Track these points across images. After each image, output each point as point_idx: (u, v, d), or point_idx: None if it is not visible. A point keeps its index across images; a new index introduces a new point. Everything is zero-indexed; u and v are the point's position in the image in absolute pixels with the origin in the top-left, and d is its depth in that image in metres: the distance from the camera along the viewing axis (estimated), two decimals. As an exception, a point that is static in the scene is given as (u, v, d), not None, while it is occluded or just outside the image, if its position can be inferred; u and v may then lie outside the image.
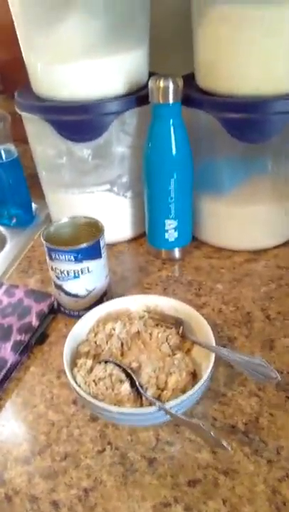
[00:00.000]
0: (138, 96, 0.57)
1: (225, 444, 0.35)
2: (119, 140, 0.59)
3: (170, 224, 0.61)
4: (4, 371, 0.47)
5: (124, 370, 0.42)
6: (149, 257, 0.67)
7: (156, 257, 0.66)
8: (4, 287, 0.58)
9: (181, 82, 0.53)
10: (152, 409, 0.38)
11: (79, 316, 0.54)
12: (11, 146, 0.74)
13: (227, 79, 0.54)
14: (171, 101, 0.53)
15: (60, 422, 0.43)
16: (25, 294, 0.57)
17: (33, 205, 0.81)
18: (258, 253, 0.65)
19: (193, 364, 0.44)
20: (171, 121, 0.55)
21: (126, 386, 0.40)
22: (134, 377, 0.41)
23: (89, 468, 0.39)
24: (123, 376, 0.42)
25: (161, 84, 0.52)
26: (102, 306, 0.50)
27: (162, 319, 0.49)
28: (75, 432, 0.42)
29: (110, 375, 0.41)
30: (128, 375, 0.42)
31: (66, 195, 0.65)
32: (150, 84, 0.53)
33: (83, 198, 0.64)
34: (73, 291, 0.53)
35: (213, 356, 0.41)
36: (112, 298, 0.57)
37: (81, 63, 0.55)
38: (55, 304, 0.56)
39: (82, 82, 0.56)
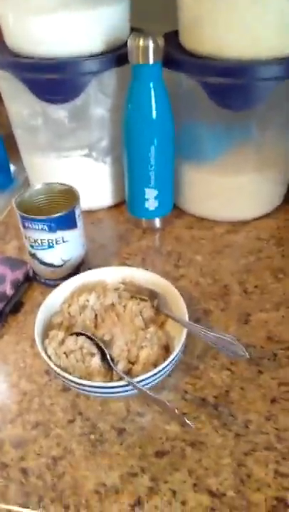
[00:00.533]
0: (118, 54, 0.54)
1: (189, 423, 0.36)
2: (98, 101, 0.56)
3: (150, 193, 0.60)
4: (-23, 341, 0.47)
5: (96, 344, 0.42)
6: (129, 225, 0.66)
7: (137, 225, 0.65)
8: (-21, 255, 0.57)
9: (162, 41, 0.50)
10: (121, 383, 0.38)
11: (55, 286, 0.53)
12: (-14, 106, 0.70)
13: (210, 40, 0.51)
14: (151, 61, 0.50)
15: (33, 392, 0.43)
16: (0, 261, 0.56)
17: (12, 167, 0.78)
18: (239, 224, 0.64)
19: (166, 338, 0.44)
20: (152, 83, 0.52)
21: (96, 360, 0.40)
22: (106, 351, 0.41)
23: (59, 438, 0.39)
24: (94, 349, 0.41)
25: (141, 43, 0.49)
26: (77, 277, 0.49)
27: (138, 292, 0.49)
28: (46, 402, 0.42)
29: (81, 347, 0.41)
30: (100, 348, 0.42)
31: (43, 159, 0.62)
32: (129, 42, 0.50)
33: (60, 162, 0.62)
34: (48, 261, 0.51)
35: (185, 331, 0.41)
36: (89, 268, 0.56)
37: (57, 16, 0.51)
38: (31, 272, 0.55)
39: (57, 36, 0.52)
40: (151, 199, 0.60)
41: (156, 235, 0.64)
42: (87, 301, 0.47)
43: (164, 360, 0.41)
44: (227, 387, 0.43)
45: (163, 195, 0.61)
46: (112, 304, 0.47)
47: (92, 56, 0.54)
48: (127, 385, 0.38)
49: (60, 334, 0.43)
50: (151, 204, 0.61)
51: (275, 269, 0.56)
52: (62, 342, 0.42)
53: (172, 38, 0.57)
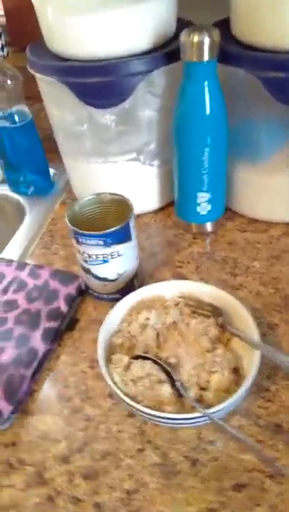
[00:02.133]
0: (167, 52, 0.50)
1: (280, 466, 0.34)
2: (146, 103, 0.53)
3: (203, 197, 0.56)
4: (36, 363, 0.45)
5: (164, 368, 0.40)
6: (178, 229, 0.63)
7: (186, 230, 0.62)
8: (28, 268, 0.56)
9: (218, 36, 0.46)
10: (196, 414, 0.36)
11: (109, 299, 0.52)
12: (25, 108, 0.68)
13: (272, 31, 0.46)
14: (206, 58, 0.46)
15: (98, 417, 0.42)
16: (50, 275, 0.54)
17: (51, 171, 0.76)
18: (295, 225, 0.61)
19: (235, 359, 0.42)
20: (206, 81, 0.48)
21: (166, 388, 0.38)
22: (175, 377, 0.39)
23: (130, 469, 0.38)
24: (163, 376, 0.39)
25: (196, 39, 0.45)
26: (134, 294, 0.47)
27: (199, 307, 0.46)
28: (113, 429, 0.41)
29: (149, 374, 0.39)
30: (167, 373, 0.40)
31: (88, 165, 0.60)
32: (182, 39, 0.46)
33: (106, 167, 0.59)
34: (102, 276, 0.49)
35: (258, 355, 0.39)
36: (142, 279, 0.54)
37: (101, 15, 0.47)
38: (83, 285, 0.54)
39: (102, 36, 0.48)
40: (203, 203, 0.57)
41: (207, 240, 0.61)
42: (148, 319, 0.45)
43: (236, 384, 0.39)
44: (303, 411, 0.40)
45: (216, 198, 0.57)
46: (174, 322, 0.45)
47: (140, 54, 0.50)
48: (201, 416, 0.36)
49: (125, 359, 0.41)
50: (204, 208, 0.58)
51: None
52: (127, 367, 0.40)
53: (222, 28, 0.53)
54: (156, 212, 0.66)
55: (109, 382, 0.38)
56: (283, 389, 0.42)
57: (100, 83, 0.49)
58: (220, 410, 0.36)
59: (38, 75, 0.54)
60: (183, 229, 0.62)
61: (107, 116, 0.53)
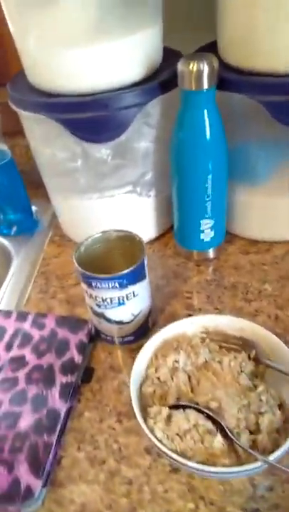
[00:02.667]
0: (162, 81, 0.49)
1: None
2: (142, 134, 0.51)
3: (206, 224, 0.55)
4: (59, 426, 0.41)
5: (208, 415, 0.37)
6: (179, 258, 0.61)
7: (188, 258, 0.60)
8: (30, 318, 0.51)
9: (217, 64, 0.45)
10: (257, 464, 0.33)
11: (123, 343, 0.49)
12: (4, 146, 0.64)
13: (268, 54, 0.46)
14: (205, 87, 0.45)
15: (139, 478, 0.38)
16: (56, 323, 0.50)
17: (33, 208, 0.72)
18: (297, 242, 0.60)
19: (277, 393, 0.39)
20: (206, 109, 0.47)
21: (219, 439, 0.35)
22: (223, 423, 0.36)
23: (188, 534, 0.34)
24: (210, 424, 0.36)
25: (195, 68, 0.44)
26: (157, 336, 0.44)
27: (225, 340, 0.44)
28: (158, 489, 0.37)
29: (196, 425, 0.36)
30: (214, 421, 0.37)
31: (81, 202, 0.57)
32: (180, 68, 0.45)
33: (102, 202, 0.56)
34: (117, 319, 0.46)
35: (304, 388, 0.37)
36: (155, 316, 0.51)
37: (92, 47, 0.45)
38: (93, 329, 0.50)
39: (92, 70, 0.47)
40: (206, 230, 0.55)
41: (212, 267, 0.59)
42: (176, 361, 0.42)
43: (285, 422, 0.37)
44: None
45: (218, 224, 0.56)
46: (206, 362, 0.42)
47: (131, 85, 0.49)
48: (262, 465, 0.33)
49: (164, 411, 0.37)
50: (207, 235, 0.56)
51: None
52: (168, 420, 0.37)
53: (209, 51, 0.52)
54: (152, 241, 0.64)
55: (154, 440, 0.35)
56: None
57: (96, 118, 0.47)
58: (280, 454, 0.33)
59: (25, 113, 0.50)
60: (184, 257, 0.60)
61: (102, 151, 0.51)
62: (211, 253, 0.59)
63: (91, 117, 0.47)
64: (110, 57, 0.46)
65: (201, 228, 0.55)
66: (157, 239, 0.64)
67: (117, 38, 0.46)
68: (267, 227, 0.60)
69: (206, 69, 0.44)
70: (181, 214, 0.56)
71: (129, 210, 0.58)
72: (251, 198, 0.58)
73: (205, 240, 0.57)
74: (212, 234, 0.56)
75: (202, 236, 0.56)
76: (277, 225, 0.59)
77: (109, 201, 0.56)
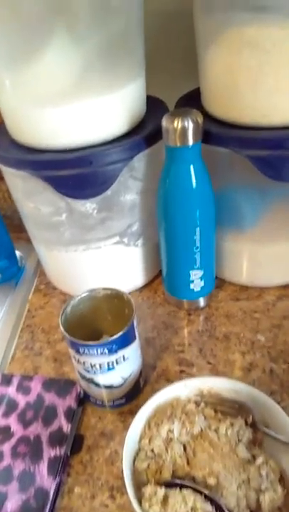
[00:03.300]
0: (146, 136, 0.48)
1: None
2: (128, 187, 0.50)
3: (195, 274, 0.53)
4: (48, 506, 0.38)
5: (207, 496, 0.35)
6: (169, 307, 0.59)
7: (178, 306, 0.58)
8: (16, 381, 0.49)
9: (201, 119, 0.44)
10: None
11: (114, 407, 0.46)
12: (-15, 194, 0.62)
13: (250, 109, 0.46)
14: (190, 143, 0.44)
15: None
16: (43, 386, 0.48)
17: (17, 253, 0.70)
18: (287, 287, 0.59)
19: (275, 463, 0.38)
20: (191, 164, 0.46)
21: (219, 525, 0.33)
22: (223, 503, 0.34)
23: None
24: (208, 506, 0.34)
25: (179, 125, 0.43)
26: (149, 403, 0.41)
27: (221, 404, 0.42)
28: None
29: (193, 509, 0.34)
30: (210, 500, 0.35)
31: (67, 254, 0.55)
32: (164, 125, 0.44)
33: (88, 254, 0.55)
34: (107, 383, 0.44)
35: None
36: (147, 374, 0.49)
37: (73, 103, 0.44)
38: (82, 393, 0.48)
39: (75, 126, 0.46)
40: (196, 280, 0.54)
41: (203, 315, 0.57)
42: (171, 431, 0.40)
43: (285, 496, 0.35)
44: None
45: (208, 274, 0.55)
46: (201, 430, 0.40)
47: (117, 139, 0.48)
48: None
49: (160, 492, 0.35)
50: (197, 285, 0.55)
51: None
52: (164, 501, 0.35)
53: (192, 102, 0.52)
54: (141, 289, 0.62)
55: (150, 528, 0.33)
56: None
57: (81, 175, 0.46)
58: None
59: (8, 170, 0.49)
60: (174, 305, 0.59)
61: (87, 205, 0.49)
62: (201, 302, 0.58)
63: (75, 174, 0.46)
64: (94, 114, 0.45)
65: (191, 279, 0.54)
66: (146, 286, 0.63)
67: (100, 94, 0.45)
68: (256, 273, 0.59)
69: (190, 126, 0.43)
70: (169, 265, 0.55)
71: (116, 260, 0.56)
72: (239, 244, 0.57)
73: (195, 289, 0.55)
74: (202, 283, 0.55)
75: (192, 286, 0.55)
76: (266, 271, 0.58)
77: (96, 253, 0.54)
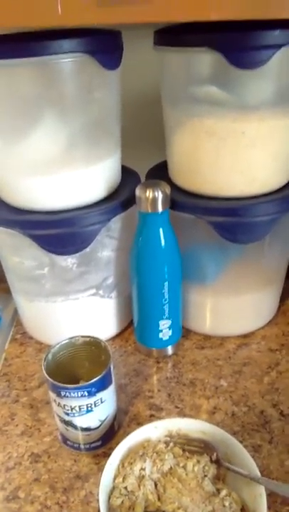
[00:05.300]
0: (122, 201, 0.55)
1: None
2: (105, 245, 0.56)
3: (164, 324, 0.59)
4: None
5: (177, 527, 0.38)
6: (139, 355, 0.64)
7: (148, 355, 0.63)
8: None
9: (169, 190, 0.52)
10: None
11: (90, 449, 0.49)
12: None
13: (208, 183, 0.54)
14: (160, 210, 0.52)
15: None
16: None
17: (-7, 305, 0.74)
18: (246, 336, 0.66)
19: (238, 496, 0.42)
20: (161, 227, 0.53)
21: None
22: (191, 535, 0.38)
23: None
24: (179, 538, 0.38)
25: (150, 195, 0.51)
26: (122, 444, 0.45)
27: (188, 443, 0.46)
28: None
29: (165, 540, 0.37)
30: (181, 532, 0.38)
31: (46, 304, 0.60)
32: (138, 194, 0.52)
33: (66, 305, 0.59)
34: (85, 425, 0.47)
35: (263, 490, 0.40)
36: (120, 418, 0.53)
37: (56, 174, 0.52)
38: (60, 438, 0.50)
39: (58, 193, 0.53)
40: (165, 329, 0.60)
41: (170, 363, 0.62)
42: (143, 469, 0.44)
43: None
44: (312, 540, 0.41)
45: (175, 323, 0.61)
46: (171, 468, 0.44)
47: (95, 203, 0.55)
48: None
49: (134, 528, 0.38)
50: (165, 334, 0.60)
51: (300, 383, 0.57)
52: (138, 535, 0.38)
53: (160, 173, 0.60)
54: (113, 338, 0.67)
55: None
56: (287, 518, 0.43)
57: (65, 234, 0.52)
58: None
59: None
60: (144, 354, 0.63)
61: (68, 260, 0.55)
62: (169, 350, 0.63)
63: (60, 233, 0.52)
64: (76, 182, 0.53)
65: (160, 328, 0.59)
66: (118, 336, 0.68)
67: (82, 166, 0.52)
68: (218, 324, 0.65)
69: (160, 196, 0.51)
70: (140, 316, 0.60)
71: (92, 311, 0.61)
72: (202, 297, 0.63)
73: (163, 338, 0.61)
74: (170, 333, 0.60)
75: (161, 335, 0.60)
76: (227, 322, 0.65)
77: (73, 303, 0.59)
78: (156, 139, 0.65)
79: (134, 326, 0.63)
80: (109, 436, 0.50)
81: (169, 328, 0.60)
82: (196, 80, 0.50)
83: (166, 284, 0.56)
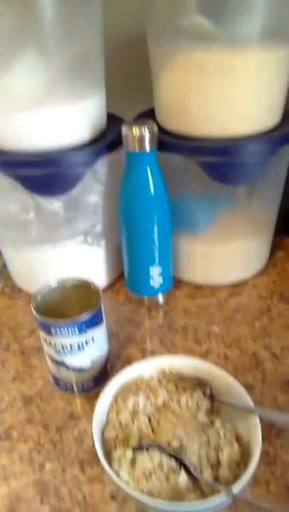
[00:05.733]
0: (108, 143, 0.54)
1: None
2: (92, 189, 0.55)
3: (155, 271, 0.58)
4: (20, 480, 0.40)
5: (172, 455, 0.38)
6: (131, 305, 0.63)
7: (139, 304, 0.63)
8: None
9: (156, 129, 0.51)
10: (222, 497, 0.34)
11: (83, 391, 0.49)
12: None
13: (198, 123, 0.53)
14: (147, 149, 0.50)
15: (105, 527, 0.38)
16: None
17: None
18: (238, 286, 0.66)
19: (232, 427, 0.42)
20: (149, 168, 0.52)
21: (183, 476, 0.36)
22: (186, 461, 0.38)
23: None
24: (173, 463, 0.38)
25: (137, 132, 0.49)
26: (115, 380, 0.45)
27: (182, 380, 0.46)
28: (126, 536, 0.37)
29: (160, 465, 0.37)
30: (177, 460, 0.38)
31: (34, 253, 0.58)
32: (124, 132, 0.50)
33: (54, 253, 0.58)
34: (77, 365, 0.47)
35: (257, 420, 0.40)
36: (113, 362, 0.53)
37: (40, 111, 0.49)
38: (52, 380, 0.50)
39: (42, 131, 0.51)
40: (156, 276, 0.59)
41: (162, 311, 0.62)
42: (136, 404, 0.44)
43: (242, 454, 0.39)
44: (305, 466, 0.41)
45: (166, 271, 0.60)
46: (165, 403, 0.44)
47: (80, 146, 0.53)
48: (230, 498, 0.34)
49: (128, 453, 0.38)
50: (156, 281, 0.60)
51: (292, 326, 0.58)
52: (133, 462, 0.38)
53: (146, 118, 0.59)
54: (105, 289, 0.66)
55: (120, 483, 0.35)
56: (281, 449, 0.43)
57: (49, 174, 0.50)
58: (242, 484, 0.35)
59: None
60: (136, 303, 0.63)
61: (54, 204, 0.54)
62: (160, 299, 0.62)
63: (44, 174, 0.50)
64: (59, 121, 0.51)
65: (151, 275, 0.59)
66: (109, 287, 0.67)
67: (64, 104, 0.50)
68: (209, 273, 0.65)
69: (146, 133, 0.49)
70: (130, 262, 0.59)
71: (80, 260, 0.60)
72: (193, 246, 0.63)
73: (155, 286, 0.60)
74: (161, 280, 0.60)
75: (152, 282, 0.59)
76: (217, 271, 0.65)
77: (62, 252, 0.58)
78: (142, 86, 0.63)
79: (125, 275, 0.62)
80: (102, 377, 0.50)
81: (160, 275, 0.59)
82: (184, 10, 0.48)
83: (155, 227, 0.55)
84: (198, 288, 0.66)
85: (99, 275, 0.64)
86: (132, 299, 0.63)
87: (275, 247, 0.72)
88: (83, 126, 0.53)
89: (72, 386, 0.49)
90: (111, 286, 0.67)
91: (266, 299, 0.63)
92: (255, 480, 0.40)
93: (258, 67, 0.49)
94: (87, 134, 0.54)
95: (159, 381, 0.46)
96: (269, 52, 0.49)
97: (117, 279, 0.68)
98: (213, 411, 0.44)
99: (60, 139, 0.52)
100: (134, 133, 0.49)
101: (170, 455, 0.39)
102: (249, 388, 0.49)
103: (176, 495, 0.36)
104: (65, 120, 0.51)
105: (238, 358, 0.53)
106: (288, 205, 0.74)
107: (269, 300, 0.63)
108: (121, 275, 0.67)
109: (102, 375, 0.50)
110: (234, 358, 0.54)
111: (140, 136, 0.49)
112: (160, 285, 0.60)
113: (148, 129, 0.50)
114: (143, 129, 0.49)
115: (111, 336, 0.57)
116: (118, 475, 0.37)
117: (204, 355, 0.54)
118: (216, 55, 0.48)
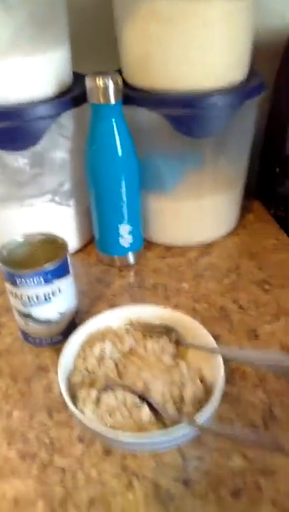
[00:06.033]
0: (72, 96, 0.53)
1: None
2: (58, 145, 0.54)
3: (124, 229, 0.58)
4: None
5: (136, 393, 0.39)
6: (102, 266, 0.63)
7: (111, 265, 0.63)
8: None
9: (120, 80, 0.50)
10: (185, 429, 0.35)
11: (52, 344, 0.49)
12: None
13: (163, 76, 0.53)
14: (112, 101, 0.50)
15: (72, 466, 0.38)
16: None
17: None
18: (208, 246, 0.66)
19: (197, 369, 0.42)
20: (114, 121, 0.52)
21: (146, 410, 0.37)
22: (149, 399, 0.38)
23: (124, 509, 0.35)
24: (137, 400, 0.38)
25: (101, 83, 0.49)
26: (82, 329, 0.45)
27: (148, 329, 0.47)
28: (92, 473, 0.37)
29: (124, 402, 0.38)
30: (140, 398, 0.39)
31: (1, 211, 0.58)
32: (88, 83, 0.50)
33: (22, 212, 0.58)
34: (44, 318, 0.47)
35: (220, 359, 0.40)
36: (82, 317, 0.53)
37: (2, 60, 0.48)
38: (21, 335, 0.50)
39: (4, 82, 0.50)
40: (125, 235, 0.59)
41: (133, 271, 0.62)
42: (103, 350, 0.44)
43: (206, 393, 0.40)
44: (268, 405, 0.42)
45: (135, 230, 0.60)
46: (131, 348, 0.44)
47: (46, 100, 0.52)
48: (192, 428, 0.35)
49: (93, 393, 0.39)
50: (126, 240, 0.60)
51: (259, 281, 0.58)
52: (97, 401, 0.38)
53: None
54: (76, 252, 0.66)
55: (84, 420, 0.36)
56: (244, 388, 0.44)
57: (11, 127, 0.49)
58: (204, 416, 0.36)
59: None
60: (107, 264, 0.63)
61: (19, 160, 0.53)
62: (131, 259, 0.62)
63: (6, 127, 0.49)
64: (22, 72, 0.50)
65: (120, 233, 0.59)
66: (80, 250, 0.67)
67: (28, 54, 0.49)
68: (179, 233, 0.65)
69: (111, 84, 0.49)
70: (100, 221, 0.59)
71: (49, 219, 0.60)
72: (162, 205, 0.63)
73: (125, 245, 0.60)
74: (130, 239, 0.60)
75: (121, 241, 0.59)
76: (187, 231, 0.65)
77: (30, 211, 0.58)
78: (111, 46, 0.62)
79: (96, 237, 0.62)
80: (70, 330, 0.49)
81: (130, 233, 0.59)
82: None
83: (123, 183, 0.55)
84: (169, 249, 0.66)
85: (69, 237, 0.62)
86: (104, 260, 0.63)
87: (245, 210, 0.73)
88: (48, 80, 0.52)
89: (40, 340, 0.49)
90: (82, 249, 0.67)
91: (235, 258, 0.64)
92: (219, 418, 0.41)
93: (221, 16, 0.49)
94: (52, 88, 0.53)
95: (127, 330, 0.46)
96: (232, 2, 0.49)
97: (89, 242, 0.68)
98: (178, 355, 0.45)
99: (25, 92, 0.51)
100: (98, 83, 0.49)
101: (134, 393, 0.39)
102: (216, 338, 0.49)
103: (140, 431, 0.36)
104: (30, 73, 0.50)
105: (206, 311, 0.54)
106: (259, 169, 0.75)
107: (238, 259, 0.63)
108: (93, 239, 0.67)
109: (70, 328, 0.49)
110: (202, 311, 0.54)
111: (104, 87, 0.49)
112: (130, 244, 0.60)
113: (112, 80, 0.49)
114: (107, 79, 0.49)
115: (82, 295, 0.57)
116: (83, 413, 0.37)
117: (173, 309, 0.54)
118: (178, 1, 0.48)
